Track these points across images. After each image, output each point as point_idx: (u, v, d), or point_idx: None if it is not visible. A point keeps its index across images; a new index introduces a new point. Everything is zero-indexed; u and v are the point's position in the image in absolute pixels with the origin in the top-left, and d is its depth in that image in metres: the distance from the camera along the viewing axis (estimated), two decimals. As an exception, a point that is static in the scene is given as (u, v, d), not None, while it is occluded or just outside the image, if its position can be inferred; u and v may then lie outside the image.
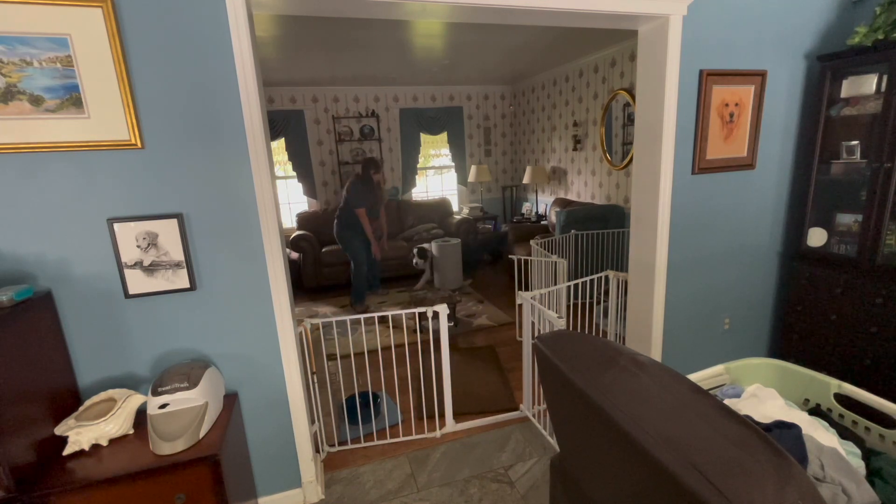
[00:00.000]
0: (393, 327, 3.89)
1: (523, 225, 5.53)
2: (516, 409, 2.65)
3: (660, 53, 2.14)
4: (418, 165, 6.36)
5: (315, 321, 2.22)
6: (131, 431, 1.58)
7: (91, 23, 1.41)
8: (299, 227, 5.43)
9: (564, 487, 1.22)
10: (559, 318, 2.17)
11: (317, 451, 2.21)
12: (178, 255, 1.64)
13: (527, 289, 4.17)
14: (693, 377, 1.56)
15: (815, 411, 1.46)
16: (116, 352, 1.67)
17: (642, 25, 2.20)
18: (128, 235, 1.57)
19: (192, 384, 1.54)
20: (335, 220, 4.40)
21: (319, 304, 4.84)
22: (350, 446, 2.39)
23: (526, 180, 5.77)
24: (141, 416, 1.62)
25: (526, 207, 6.25)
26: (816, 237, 2.48)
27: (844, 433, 1.34)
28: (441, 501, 2.01)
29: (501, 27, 3.42)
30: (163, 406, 1.49)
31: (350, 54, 4.12)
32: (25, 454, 1.33)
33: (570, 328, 3.26)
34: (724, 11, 2.16)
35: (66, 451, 1.46)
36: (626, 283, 2.64)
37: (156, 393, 1.51)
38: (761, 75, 2.30)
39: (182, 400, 1.51)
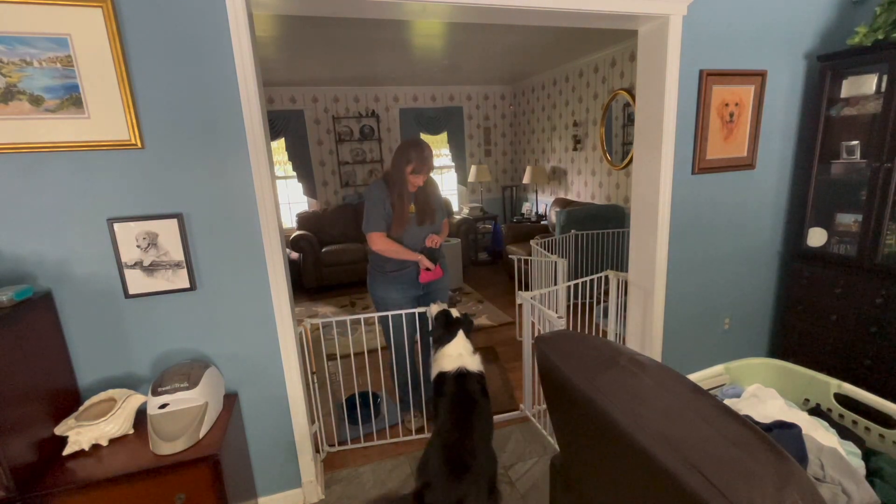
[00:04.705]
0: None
1: (523, 225, 5.53)
2: (516, 409, 2.65)
3: (660, 53, 2.14)
4: (418, 165, 6.35)
5: (315, 321, 2.22)
6: (131, 431, 1.58)
7: (91, 23, 1.41)
8: (299, 227, 5.43)
9: (564, 487, 1.22)
10: (559, 318, 2.17)
11: (317, 450, 2.21)
12: (178, 255, 1.64)
13: (527, 289, 4.17)
14: (693, 377, 1.56)
15: (815, 411, 1.46)
16: (116, 352, 1.66)
17: (642, 25, 2.20)
18: (128, 235, 1.57)
19: (192, 384, 1.54)
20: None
21: (319, 304, 4.84)
22: (350, 446, 2.39)
23: (526, 180, 5.77)
24: (141, 416, 1.62)
25: (526, 207, 6.25)
26: (816, 237, 2.48)
27: (844, 433, 1.34)
28: (441, 501, 2.01)
29: (501, 27, 3.41)
30: (163, 406, 1.49)
31: (350, 54, 4.12)
32: (25, 454, 1.33)
33: (570, 328, 3.26)
34: (724, 11, 2.16)
35: (66, 451, 1.46)
36: (626, 283, 2.64)
37: (156, 393, 1.51)
38: (761, 75, 2.30)
39: (182, 400, 1.51)
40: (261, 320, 1.81)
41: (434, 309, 2.15)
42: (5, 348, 1.28)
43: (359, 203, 5.70)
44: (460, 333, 1.98)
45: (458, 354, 1.92)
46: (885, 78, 2.11)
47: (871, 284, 2.22)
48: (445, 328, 2.01)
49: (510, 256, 4.55)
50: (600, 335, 2.81)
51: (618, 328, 2.83)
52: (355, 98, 5.87)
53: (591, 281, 2.82)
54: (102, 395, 1.57)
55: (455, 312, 2.10)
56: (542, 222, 5.68)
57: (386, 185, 2.22)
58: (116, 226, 1.56)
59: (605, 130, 4.63)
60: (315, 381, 2.23)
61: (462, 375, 1.84)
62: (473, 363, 1.91)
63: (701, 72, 2.18)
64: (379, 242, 2.22)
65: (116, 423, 1.53)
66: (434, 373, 1.94)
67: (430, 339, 2.08)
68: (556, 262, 3.31)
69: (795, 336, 2.62)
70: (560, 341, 1.03)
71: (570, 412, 0.98)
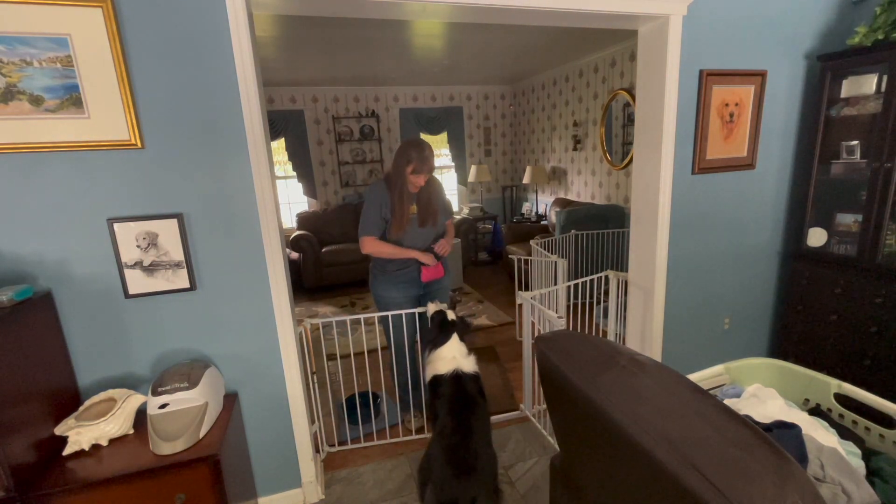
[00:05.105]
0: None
1: (523, 225, 5.53)
2: (516, 409, 2.65)
3: (660, 53, 2.14)
4: (418, 165, 6.35)
5: (315, 321, 2.22)
6: (131, 431, 1.58)
7: (91, 23, 1.41)
8: (299, 227, 5.43)
9: (564, 487, 1.22)
10: (559, 317, 2.17)
11: (317, 450, 2.21)
12: (178, 255, 1.64)
13: (527, 289, 4.17)
14: (693, 377, 1.56)
15: (815, 411, 1.46)
16: (116, 352, 1.66)
17: (642, 25, 2.20)
18: (128, 235, 1.57)
19: (192, 384, 1.54)
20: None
21: (319, 304, 4.84)
22: (350, 446, 2.39)
23: (526, 180, 5.77)
24: (141, 416, 1.62)
25: (526, 207, 6.24)
26: (816, 237, 2.48)
27: (844, 433, 1.34)
28: (441, 501, 2.01)
29: (501, 27, 3.41)
30: (163, 406, 1.49)
31: (350, 54, 4.12)
32: (25, 454, 1.33)
33: (570, 328, 3.26)
34: (724, 11, 2.16)
35: (66, 451, 1.46)
36: (626, 283, 2.64)
37: (156, 393, 1.51)
38: (761, 75, 2.29)
39: (182, 400, 1.51)
40: (261, 320, 1.81)
41: (431, 308, 2.14)
42: (5, 348, 1.28)
43: (359, 203, 5.70)
44: (454, 336, 1.98)
45: (451, 357, 1.91)
46: (885, 78, 2.11)
47: (871, 284, 2.22)
48: (439, 330, 2.01)
49: (510, 256, 4.55)
50: (600, 335, 2.81)
51: (618, 328, 2.83)
52: (355, 98, 5.87)
53: (591, 281, 2.82)
54: (102, 395, 1.57)
55: (451, 315, 2.09)
56: (542, 222, 5.68)
57: (387, 186, 2.20)
58: (116, 226, 1.56)
59: (605, 130, 4.63)
60: (315, 381, 2.23)
61: (459, 377, 1.84)
62: (469, 365, 1.91)
63: (701, 72, 2.18)
64: (368, 246, 2.20)
65: (116, 423, 1.53)
66: (428, 375, 1.94)
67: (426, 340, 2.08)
68: (556, 262, 3.31)
69: (795, 336, 2.62)
70: (560, 341, 1.03)
71: (570, 412, 0.98)
